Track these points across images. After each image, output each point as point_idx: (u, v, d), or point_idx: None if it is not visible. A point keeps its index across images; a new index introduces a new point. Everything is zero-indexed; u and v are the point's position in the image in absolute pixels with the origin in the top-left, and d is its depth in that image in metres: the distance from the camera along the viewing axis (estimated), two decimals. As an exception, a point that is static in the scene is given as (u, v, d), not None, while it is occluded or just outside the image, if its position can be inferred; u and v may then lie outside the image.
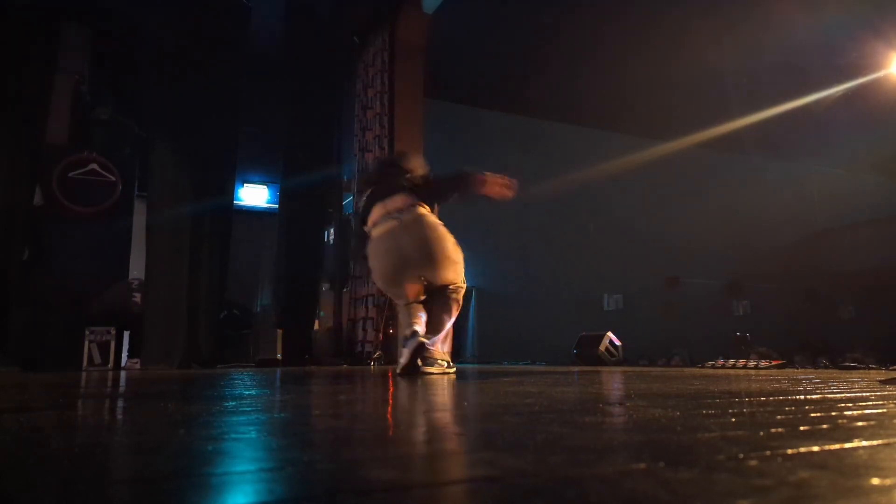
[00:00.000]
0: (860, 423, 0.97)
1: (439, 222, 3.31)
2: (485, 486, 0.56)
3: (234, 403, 1.53)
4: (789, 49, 6.60)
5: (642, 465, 0.62)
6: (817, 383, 2.12)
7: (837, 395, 1.55)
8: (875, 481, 0.55)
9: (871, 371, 3.50)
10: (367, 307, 6.03)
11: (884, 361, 4.24)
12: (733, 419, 1.05)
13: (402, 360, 3.02)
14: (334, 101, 6.96)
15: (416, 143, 6.37)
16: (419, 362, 3.08)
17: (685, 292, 8.74)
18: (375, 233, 3.31)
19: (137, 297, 5.28)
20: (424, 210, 3.29)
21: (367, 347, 5.86)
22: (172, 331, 4.88)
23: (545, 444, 0.78)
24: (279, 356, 5.56)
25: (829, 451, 0.69)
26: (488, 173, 3.31)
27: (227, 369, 4.68)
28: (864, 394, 1.59)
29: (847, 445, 0.73)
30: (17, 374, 3.98)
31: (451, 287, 3.31)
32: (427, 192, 3.36)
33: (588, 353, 5.45)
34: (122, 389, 2.34)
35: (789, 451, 0.68)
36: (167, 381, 2.86)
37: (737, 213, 9.20)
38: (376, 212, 3.32)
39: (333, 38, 6.79)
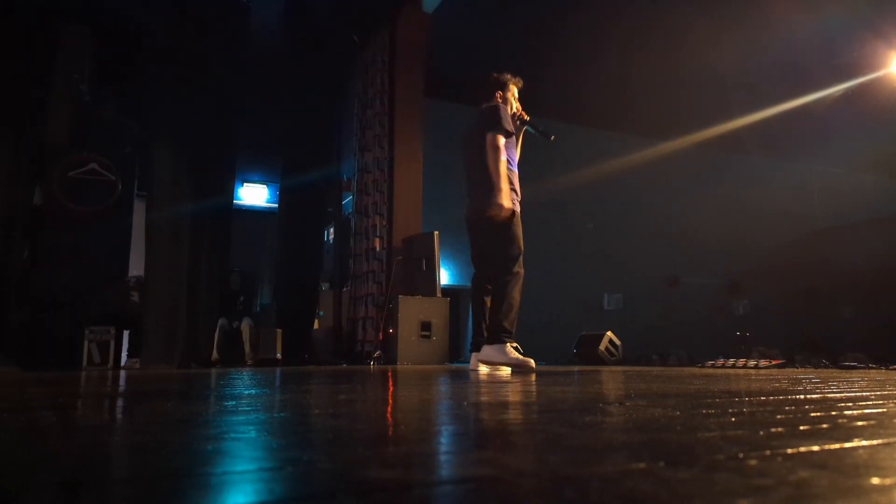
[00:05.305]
0: (860, 423, 0.97)
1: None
2: (485, 486, 0.56)
3: (234, 403, 1.53)
4: (789, 49, 6.60)
5: (642, 465, 0.62)
6: (817, 383, 2.12)
7: (837, 395, 1.55)
8: (875, 481, 0.55)
9: (871, 371, 3.50)
10: (366, 307, 6.03)
11: (884, 361, 4.24)
12: (733, 419, 1.05)
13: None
14: (334, 101, 6.97)
15: (416, 143, 6.37)
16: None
17: (685, 292, 8.75)
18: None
19: (137, 297, 5.28)
20: None
21: (367, 347, 5.86)
22: (172, 331, 4.88)
23: (545, 444, 0.78)
24: (279, 356, 5.56)
25: (829, 450, 0.69)
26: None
27: (227, 369, 4.68)
28: (864, 393, 1.59)
29: (847, 445, 0.73)
30: (16, 373, 3.98)
31: None
32: None
33: (588, 352, 5.46)
34: (121, 389, 2.34)
35: (789, 451, 0.68)
36: (167, 381, 2.85)
37: (737, 212, 9.20)
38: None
39: (333, 37, 6.79)
